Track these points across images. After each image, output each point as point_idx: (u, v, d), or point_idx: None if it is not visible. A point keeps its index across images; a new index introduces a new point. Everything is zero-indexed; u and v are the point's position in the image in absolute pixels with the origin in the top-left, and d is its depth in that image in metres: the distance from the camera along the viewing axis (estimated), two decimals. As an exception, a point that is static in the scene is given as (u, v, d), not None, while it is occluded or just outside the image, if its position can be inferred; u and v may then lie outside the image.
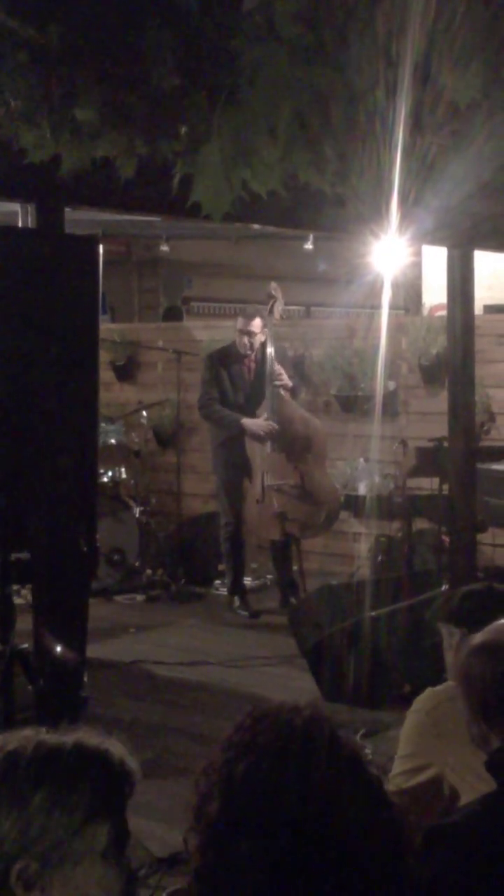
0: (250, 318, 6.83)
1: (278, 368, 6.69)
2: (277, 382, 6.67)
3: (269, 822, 1.32)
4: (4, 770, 1.58)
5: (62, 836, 1.54)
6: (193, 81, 2.79)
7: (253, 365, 6.89)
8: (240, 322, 6.90)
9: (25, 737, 1.64)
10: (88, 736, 1.66)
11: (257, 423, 6.68)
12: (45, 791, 1.55)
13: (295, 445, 6.71)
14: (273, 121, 2.92)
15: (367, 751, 1.44)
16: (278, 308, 6.79)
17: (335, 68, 3.03)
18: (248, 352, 6.84)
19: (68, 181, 3.16)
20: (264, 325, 6.82)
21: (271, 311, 6.76)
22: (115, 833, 1.59)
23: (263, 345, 6.84)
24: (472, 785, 2.44)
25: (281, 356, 6.86)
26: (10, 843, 1.53)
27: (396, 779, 2.63)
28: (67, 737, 1.65)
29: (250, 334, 6.80)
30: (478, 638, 2.12)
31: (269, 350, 6.73)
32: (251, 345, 6.82)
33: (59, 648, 3.36)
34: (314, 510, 6.72)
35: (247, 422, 6.69)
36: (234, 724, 1.43)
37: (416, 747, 2.68)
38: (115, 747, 1.66)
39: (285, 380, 6.71)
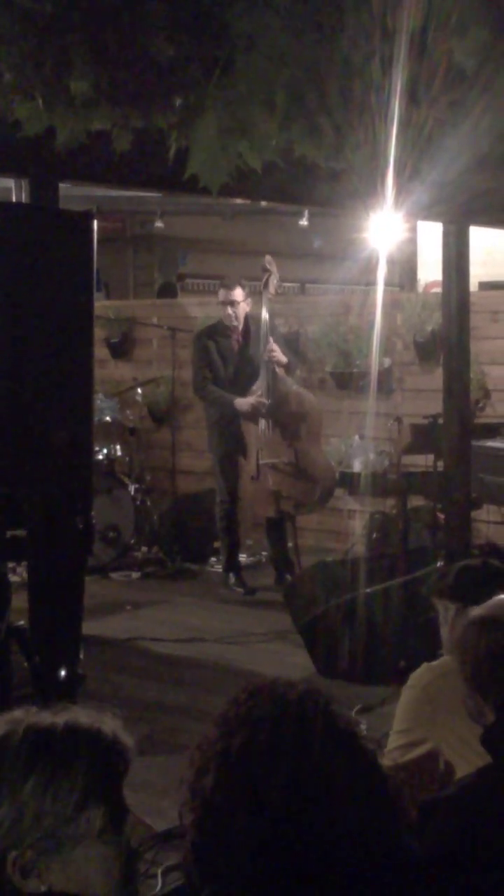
0: (230, 287, 6.79)
1: (270, 344, 6.64)
2: (271, 359, 6.63)
3: (264, 795, 1.32)
4: None
5: (57, 822, 1.52)
6: (188, 53, 2.76)
7: (240, 338, 6.85)
8: (221, 294, 6.85)
9: (15, 719, 1.62)
10: (80, 715, 1.64)
11: (246, 402, 6.65)
12: (37, 777, 1.53)
13: (290, 423, 6.69)
14: (269, 92, 2.90)
15: (362, 726, 1.45)
16: (273, 282, 6.70)
17: (330, 40, 3.00)
18: (235, 322, 6.79)
19: (63, 155, 3.14)
20: (247, 295, 6.78)
21: (266, 286, 6.69)
22: (111, 813, 1.57)
23: (248, 318, 6.81)
24: (467, 759, 2.45)
25: (273, 333, 6.81)
26: (4, 833, 1.51)
27: (392, 753, 2.64)
28: (59, 717, 1.62)
29: (233, 304, 6.76)
30: (476, 612, 2.12)
31: (263, 324, 6.68)
32: (235, 315, 6.77)
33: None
34: (309, 487, 6.71)
35: (238, 402, 6.67)
36: (229, 700, 1.44)
37: (412, 722, 2.69)
38: (108, 725, 1.64)
39: (279, 355, 6.66)
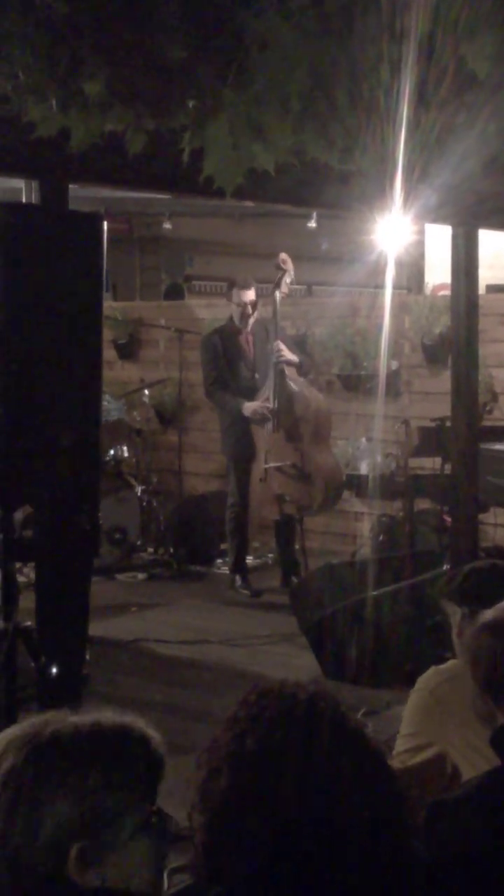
0: (248, 287, 6.77)
1: (277, 344, 6.61)
2: (279, 359, 6.61)
3: (277, 795, 1.32)
4: (53, 752, 1.59)
5: (116, 813, 1.57)
6: (201, 54, 2.77)
7: (251, 338, 6.85)
8: (241, 294, 6.78)
9: (57, 718, 1.66)
10: (117, 717, 1.70)
11: (251, 406, 6.65)
12: (98, 771, 1.58)
13: (296, 425, 6.68)
14: (283, 94, 2.90)
15: (369, 729, 1.45)
16: (286, 281, 6.66)
17: (339, 43, 3.00)
18: (251, 322, 6.78)
19: (76, 157, 3.14)
20: (258, 295, 6.78)
21: (279, 285, 6.66)
22: (158, 809, 1.65)
23: (256, 319, 6.81)
24: (474, 763, 2.45)
25: (279, 334, 6.79)
26: (68, 825, 1.54)
27: (399, 757, 2.64)
28: (101, 718, 1.67)
29: (253, 305, 6.76)
30: (488, 615, 2.12)
31: (272, 326, 6.67)
32: (251, 315, 6.78)
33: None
34: (312, 491, 6.69)
35: (244, 406, 6.67)
36: (238, 701, 1.44)
37: (420, 726, 2.69)
38: (149, 730, 1.72)
39: (287, 354, 6.64)
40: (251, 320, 6.80)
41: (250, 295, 6.76)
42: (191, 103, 2.88)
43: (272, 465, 6.63)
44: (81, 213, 3.54)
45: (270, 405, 6.58)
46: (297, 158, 3.25)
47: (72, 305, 3.28)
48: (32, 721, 1.65)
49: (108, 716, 1.68)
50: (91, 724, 1.64)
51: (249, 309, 6.75)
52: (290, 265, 6.65)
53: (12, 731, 1.64)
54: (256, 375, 6.81)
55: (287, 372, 6.65)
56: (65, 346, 3.29)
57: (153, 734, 1.70)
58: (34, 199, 3.50)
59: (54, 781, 1.56)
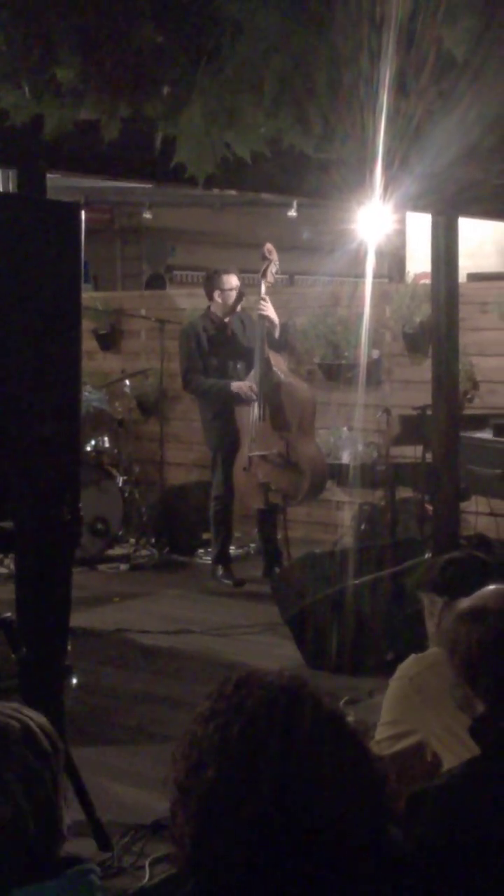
0: (231, 272, 6.79)
1: (262, 306, 6.59)
2: (261, 313, 6.56)
3: (265, 782, 1.32)
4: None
5: None
6: (175, 40, 2.75)
7: (232, 329, 6.84)
8: (232, 280, 6.79)
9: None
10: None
11: (238, 385, 6.65)
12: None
13: (280, 414, 6.68)
14: (256, 80, 2.88)
15: (350, 718, 1.45)
16: (272, 270, 6.67)
17: (318, 29, 2.99)
18: (237, 308, 6.78)
19: (50, 145, 3.12)
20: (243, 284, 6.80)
21: (264, 274, 6.67)
22: None
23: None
24: (454, 751, 2.45)
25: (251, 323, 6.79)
26: None
27: (379, 745, 2.64)
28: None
29: (239, 290, 6.77)
30: (465, 603, 2.13)
31: (247, 318, 6.67)
32: (240, 301, 6.79)
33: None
34: (297, 480, 6.70)
35: (234, 385, 6.66)
36: (213, 694, 1.43)
37: (400, 714, 2.70)
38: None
39: (270, 313, 6.60)
40: (238, 306, 6.80)
41: (236, 280, 6.77)
42: (165, 89, 2.86)
43: (257, 453, 6.63)
44: (59, 202, 3.51)
45: (256, 389, 6.59)
46: (272, 147, 3.23)
47: (49, 295, 3.26)
48: None
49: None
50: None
51: (236, 294, 6.76)
52: (275, 255, 6.67)
53: None
54: (239, 366, 6.81)
55: (273, 361, 6.65)
56: (43, 336, 3.27)
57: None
58: (11, 188, 3.47)
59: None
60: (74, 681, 3.36)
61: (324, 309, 8.17)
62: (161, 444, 8.08)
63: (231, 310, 6.80)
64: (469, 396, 7.38)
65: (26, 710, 1.69)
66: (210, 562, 7.13)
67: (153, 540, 7.68)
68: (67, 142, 3.14)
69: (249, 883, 1.32)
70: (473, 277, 8.08)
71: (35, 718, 1.68)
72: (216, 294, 6.83)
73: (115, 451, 8.02)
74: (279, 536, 6.97)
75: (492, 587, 2.20)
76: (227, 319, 6.83)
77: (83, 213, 3.51)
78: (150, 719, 4.47)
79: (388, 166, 3.74)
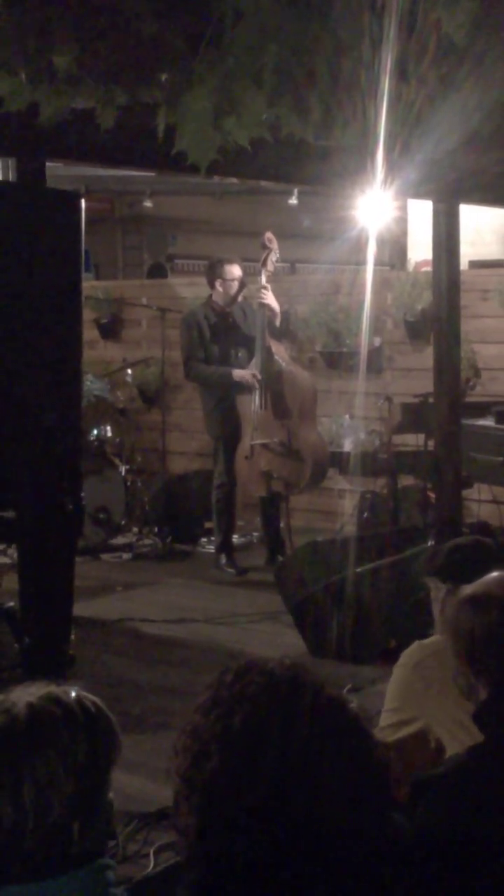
0: (235, 262, 6.79)
1: (262, 294, 6.59)
2: (262, 301, 6.56)
3: (268, 769, 1.32)
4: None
5: (101, 787, 1.73)
6: (173, 27, 2.73)
7: (234, 318, 6.83)
8: (234, 270, 6.77)
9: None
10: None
11: (240, 373, 6.65)
12: (88, 747, 1.71)
13: (282, 402, 6.67)
14: (257, 67, 2.86)
15: (353, 705, 1.45)
16: (272, 259, 6.65)
17: (319, 15, 2.97)
18: (240, 298, 6.78)
19: (49, 133, 3.10)
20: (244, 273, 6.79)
21: (265, 263, 6.65)
22: None
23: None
24: (458, 738, 2.45)
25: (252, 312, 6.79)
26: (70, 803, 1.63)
27: (383, 732, 2.64)
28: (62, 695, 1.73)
29: (240, 280, 6.77)
30: (468, 590, 2.13)
31: (262, 300, 6.65)
32: (242, 290, 6.78)
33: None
34: (299, 468, 6.70)
35: (236, 372, 6.66)
36: (214, 683, 1.43)
37: (403, 701, 2.70)
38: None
39: (271, 301, 6.59)
40: (240, 297, 6.79)
41: (238, 270, 6.76)
42: (163, 77, 2.84)
43: (258, 441, 6.62)
44: (59, 190, 3.51)
45: (259, 376, 6.58)
46: (273, 135, 3.21)
47: (50, 284, 3.26)
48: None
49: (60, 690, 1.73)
50: (68, 702, 1.68)
51: (238, 285, 6.74)
52: (275, 244, 6.65)
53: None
54: (240, 355, 6.80)
55: (274, 349, 6.64)
56: (43, 325, 3.27)
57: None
58: (11, 177, 3.46)
59: (54, 761, 1.61)
60: None
61: (325, 297, 8.15)
62: (163, 433, 8.08)
63: (232, 300, 6.79)
64: (470, 384, 7.37)
65: (87, 700, 1.73)
66: (213, 550, 7.13)
67: (155, 529, 7.68)
68: (66, 130, 3.12)
69: (253, 870, 1.32)
70: (475, 264, 8.07)
71: (91, 710, 1.72)
72: (218, 283, 6.81)
73: (117, 440, 8.01)
74: (281, 525, 6.97)
75: (495, 574, 2.20)
76: (231, 307, 6.81)
77: (84, 201, 3.50)
78: (154, 708, 4.48)
79: (388, 153, 3.73)
